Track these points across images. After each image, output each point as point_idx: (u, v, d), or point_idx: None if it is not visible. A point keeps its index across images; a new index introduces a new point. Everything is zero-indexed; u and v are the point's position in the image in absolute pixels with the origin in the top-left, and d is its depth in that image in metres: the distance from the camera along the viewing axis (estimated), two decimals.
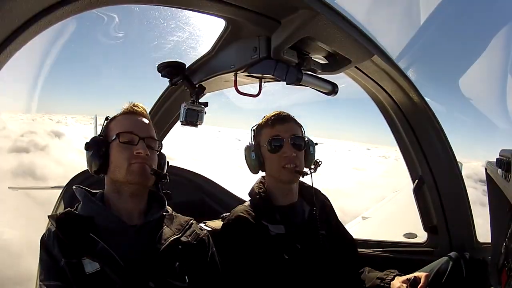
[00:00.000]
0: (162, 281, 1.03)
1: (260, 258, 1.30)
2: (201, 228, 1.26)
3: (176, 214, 1.24)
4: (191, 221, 1.24)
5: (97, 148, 1.12)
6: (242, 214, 1.38)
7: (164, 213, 1.18)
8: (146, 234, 1.10)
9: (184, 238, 1.16)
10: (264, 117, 1.43)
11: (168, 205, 1.23)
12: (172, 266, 1.07)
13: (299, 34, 1.04)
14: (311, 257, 1.35)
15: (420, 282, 1.24)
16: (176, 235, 1.14)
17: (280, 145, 1.35)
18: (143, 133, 1.13)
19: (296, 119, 1.43)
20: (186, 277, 1.09)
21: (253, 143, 1.44)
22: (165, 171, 1.22)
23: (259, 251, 1.31)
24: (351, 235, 1.58)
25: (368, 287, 1.40)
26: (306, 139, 1.42)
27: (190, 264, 1.13)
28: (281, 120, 1.38)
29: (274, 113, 1.41)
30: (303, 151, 1.39)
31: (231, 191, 2.29)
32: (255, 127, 1.45)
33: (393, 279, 1.33)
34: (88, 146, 1.13)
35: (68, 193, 1.71)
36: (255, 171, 1.44)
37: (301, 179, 1.45)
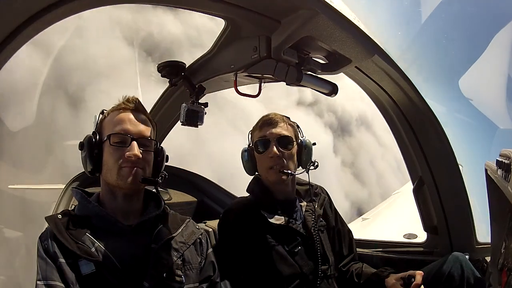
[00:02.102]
0: (157, 281, 1.03)
1: (259, 248, 1.32)
2: (198, 227, 1.25)
3: (173, 212, 1.23)
4: (188, 219, 1.24)
5: (90, 149, 1.09)
6: (242, 203, 1.41)
7: (160, 212, 1.17)
8: (142, 234, 1.09)
9: (180, 237, 1.15)
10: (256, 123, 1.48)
11: (167, 205, 1.23)
12: (168, 266, 1.07)
13: (299, 34, 1.05)
14: (310, 251, 1.36)
15: (414, 280, 1.25)
16: (172, 234, 1.13)
17: (266, 146, 1.37)
18: (136, 133, 1.09)
19: (290, 121, 1.45)
20: (183, 277, 1.09)
21: (248, 146, 1.48)
22: (163, 167, 1.20)
23: (258, 241, 1.32)
24: (349, 229, 1.59)
25: (363, 283, 1.42)
26: (299, 140, 1.43)
27: (186, 264, 1.13)
28: (269, 122, 1.41)
29: (265, 116, 1.44)
30: (292, 152, 1.39)
31: (230, 192, 2.29)
32: (251, 130, 1.49)
33: (387, 276, 1.34)
34: (81, 146, 1.10)
35: (68, 193, 1.71)
36: (250, 173, 1.47)
37: (300, 176, 1.47)
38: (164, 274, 1.05)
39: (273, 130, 1.38)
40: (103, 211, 1.08)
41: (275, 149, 1.35)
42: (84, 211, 1.09)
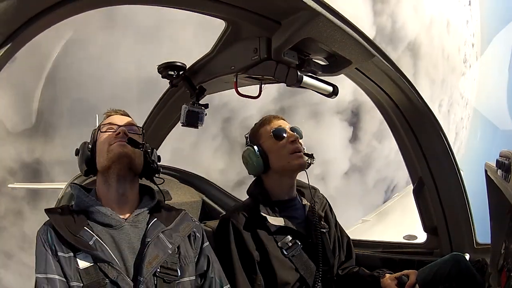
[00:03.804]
0: (151, 275, 1.04)
1: (258, 254, 1.32)
2: (193, 220, 1.26)
3: (168, 205, 1.26)
4: (183, 212, 1.25)
5: (84, 147, 1.19)
6: (238, 210, 1.41)
7: (154, 205, 1.20)
8: (137, 227, 1.12)
9: (175, 229, 1.17)
10: (255, 124, 1.52)
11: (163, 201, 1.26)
12: (162, 259, 1.08)
13: (300, 35, 1.04)
14: (310, 252, 1.37)
15: (408, 279, 1.26)
16: (167, 227, 1.15)
17: (284, 133, 1.41)
18: (122, 122, 1.22)
19: None
20: (178, 270, 1.09)
21: (250, 146, 1.48)
22: (155, 159, 1.27)
23: (256, 247, 1.33)
24: (347, 235, 1.61)
25: (359, 285, 1.43)
26: None
27: (182, 257, 1.14)
28: (276, 117, 1.49)
29: (267, 116, 1.51)
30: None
31: (230, 193, 2.29)
32: (248, 134, 1.52)
33: (383, 276, 1.36)
34: (77, 152, 1.22)
35: (69, 191, 1.72)
36: (260, 170, 1.44)
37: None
38: (159, 268, 1.06)
39: (284, 122, 1.48)
40: (98, 204, 1.12)
41: (294, 134, 1.41)
42: (82, 205, 1.12)
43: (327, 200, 1.61)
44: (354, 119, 13.89)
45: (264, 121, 1.49)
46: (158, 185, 1.29)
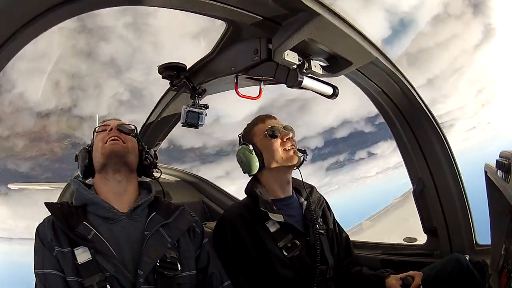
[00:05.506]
0: (151, 269, 1.04)
1: (256, 254, 1.33)
2: (192, 215, 1.27)
3: (167, 201, 1.28)
4: (182, 207, 1.26)
5: (83, 150, 1.25)
6: (236, 210, 1.44)
7: (152, 199, 1.22)
8: (136, 221, 1.13)
9: (174, 224, 1.17)
10: (248, 124, 1.56)
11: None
12: (162, 253, 1.08)
13: (300, 37, 1.05)
14: (309, 252, 1.38)
15: (413, 281, 1.26)
16: (166, 221, 1.15)
17: (278, 131, 1.46)
18: (115, 123, 1.26)
19: None
20: (178, 264, 1.10)
21: (245, 144, 1.50)
22: (152, 156, 1.31)
23: (255, 247, 1.34)
24: (346, 233, 1.62)
25: (363, 284, 1.43)
26: None
27: (182, 251, 1.14)
28: (269, 116, 1.53)
29: (259, 115, 1.55)
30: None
31: (230, 193, 2.29)
32: (242, 133, 1.55)
33: (388, 276, 1.36)
34: (76, 158, 1.26)
35: (70, 190, 1.73)
36: (255, 168, 1.46)
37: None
38: (158, 262, 1.06)
39: (278, 122, 1.52)
40: (97, 198, 1.14)
41: (288, 132, 1.47)
42: (81, 200, 1.15)
43: (324, 198, 1.61)
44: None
45: (258, 121, 1.53)
46: (159, 185, 1.30)
